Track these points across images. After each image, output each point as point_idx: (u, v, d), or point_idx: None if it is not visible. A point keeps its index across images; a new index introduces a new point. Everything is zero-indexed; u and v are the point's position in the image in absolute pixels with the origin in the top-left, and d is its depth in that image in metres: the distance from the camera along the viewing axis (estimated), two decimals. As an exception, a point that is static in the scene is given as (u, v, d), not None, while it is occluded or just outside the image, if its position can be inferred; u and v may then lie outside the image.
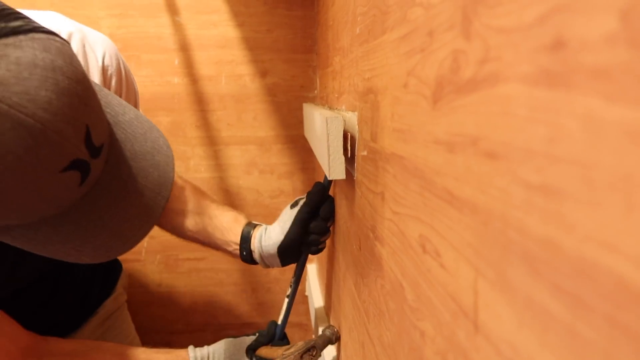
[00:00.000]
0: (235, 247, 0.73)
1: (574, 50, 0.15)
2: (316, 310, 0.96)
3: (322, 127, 0.52)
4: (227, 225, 0.74)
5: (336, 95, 0.71)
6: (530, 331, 0.17)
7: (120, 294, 0.85)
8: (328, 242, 0.87)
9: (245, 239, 0.72)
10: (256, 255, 0.73)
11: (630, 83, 0.13)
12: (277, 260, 0.72)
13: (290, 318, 1.27)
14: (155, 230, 1.13)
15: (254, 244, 0.72)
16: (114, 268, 0.86)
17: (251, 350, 0.70)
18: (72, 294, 0.72)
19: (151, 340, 1.16)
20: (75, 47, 0.56)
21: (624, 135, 0.13)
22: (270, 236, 0.71)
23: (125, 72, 0.64)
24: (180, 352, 0.66)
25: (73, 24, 0.58)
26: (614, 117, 0.13)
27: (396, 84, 0.35)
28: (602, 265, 0.14)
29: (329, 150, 0.51)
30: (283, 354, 0.64)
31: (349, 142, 0.53)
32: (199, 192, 0.79)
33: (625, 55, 0.13)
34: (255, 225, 0.75)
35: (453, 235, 0.24)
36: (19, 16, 0.35)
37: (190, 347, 0.67)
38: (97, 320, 0.77)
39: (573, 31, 0.15)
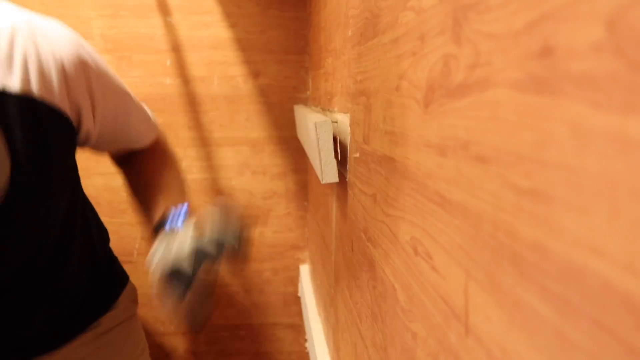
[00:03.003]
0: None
1: (561, 58, 0.15)
2: (309, 311, 0.96)
3: (312, 132, 0.52)
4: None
5: (328, 97, 0.71)
6: (520, 333, 0.17)
7: (123, 309, 0.78)
8: (321, 243, 0.87)
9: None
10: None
11: (616, 90, 0.13)
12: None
13: (283, 319, 1.27)
14: (147, 232, 1.12)
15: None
16: (115, 282, 0.80)
17: None
18: (61, 306, 0.68)
19: (143, 342, 1.16)
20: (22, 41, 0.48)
21: (611, 141, 0.13)
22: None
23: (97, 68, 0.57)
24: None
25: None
26: (601, 124, 0.13)
27: (388, 86, 0.36)
28: (589, 269, 0.14)
29: (320, 154, 0.52)
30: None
31: (338, 144, 0.53)
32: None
33: (612, 63, 0.13)
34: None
35: (444, 238, 0.25)
36: None
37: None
38: (91, 336, 0.71)
39: (561, 39, 0.15)
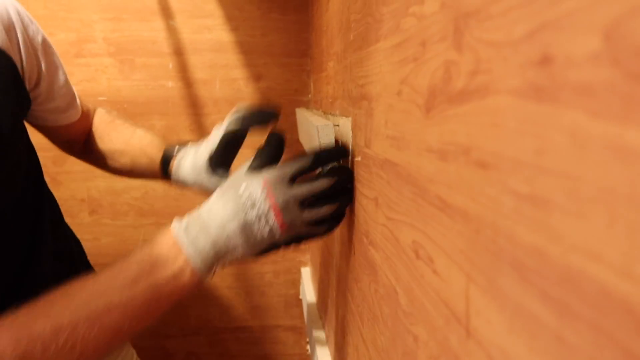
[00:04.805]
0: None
1: (560, 66, 0.15)
2: (310, 313, 0.96)
3: (314, 135, 0.53)
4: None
5: (330, 100, 0.72)
6: (520, 337, 0.18)
7: None
8: (322, 246, 0.87)
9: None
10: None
11: (613, 100, 0.13)
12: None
13: (284, 321, 1.27)
14: (149, 234, 1.13)
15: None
16: None
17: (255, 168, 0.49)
18: None
19: (145, 344, 1.16)
20: None
21: (608, 150, 0.13)
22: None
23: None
24: (162, 236, 0.48)
25: None
26: (599, 132, 0.14)
27: (390, 91, 0.36)
28: (587, 274, 0.14)
29: None
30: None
31: None
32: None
33: (609, 73, 0.13)
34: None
35: (445, 242, 0.25)
36: None
37: (175, 219, 0.49)
38: None
39: (559, 48, 0.15)
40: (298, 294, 1.21)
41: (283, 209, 0.44)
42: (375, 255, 0.41)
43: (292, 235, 0.47)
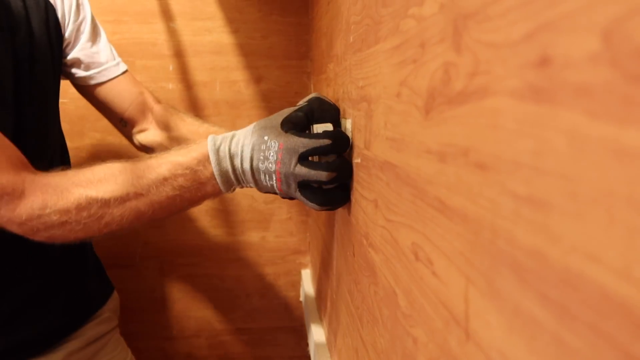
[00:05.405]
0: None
1: (559, 68, 0.15)
2: (310, 315, 0.96)
3: None
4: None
5: (330, 102, 0.72)
6: (519, 339, 0.18)
7: (107, 318, 0.77)
8: (322, 247, 0.87)
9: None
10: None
11: (612, 101, 0.13)
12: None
13: (284, 323, 1.27)
14: (151, 236, 1.13)
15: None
16: (102, 290, 0.79)
17: (289, 123, 0.51)
18: (44, 311, 0.66)
19: (145, 346, 1.16)
20: None
21: (607, 151, 0.13)
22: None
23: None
24: (198, 147, 0.52)
25: None
26: (597, 134, 0.14)
27: (389, 93, 0.36)
28: (586, 276, 0.14)
29: None
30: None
31: None
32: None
33: (607, 75, 0.13)
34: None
35: (445, 244, 0.25)
36: None
37: (211, 136, 0.53)
38: (76, 345, 0.70)
39: (558, 49, 0.15)
40: (298, 296, 1.21)
41: (283, 181, 0.49)
42: (374, 257, 0.41)
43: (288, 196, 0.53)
